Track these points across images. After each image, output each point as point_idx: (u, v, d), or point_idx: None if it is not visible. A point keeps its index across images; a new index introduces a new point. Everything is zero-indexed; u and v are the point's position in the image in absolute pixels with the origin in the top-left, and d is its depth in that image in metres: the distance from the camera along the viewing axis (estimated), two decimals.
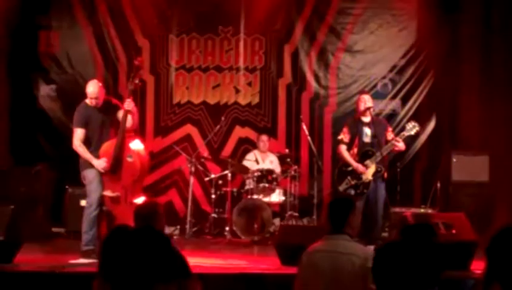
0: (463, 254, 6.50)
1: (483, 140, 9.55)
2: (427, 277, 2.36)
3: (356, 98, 8.43)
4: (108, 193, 7.03)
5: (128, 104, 7.04)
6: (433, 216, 7.48)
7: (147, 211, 4.48)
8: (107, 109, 7.24)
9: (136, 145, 7.21)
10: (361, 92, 8.43)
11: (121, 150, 7.00)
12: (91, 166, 7.02)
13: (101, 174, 7.04)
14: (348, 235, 4.10)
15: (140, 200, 7.15)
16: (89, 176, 7.05)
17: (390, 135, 7.71)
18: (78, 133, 7.07)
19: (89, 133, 7.11)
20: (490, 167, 9.12)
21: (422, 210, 9.01)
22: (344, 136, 7.72)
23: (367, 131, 7.62)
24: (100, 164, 6.97)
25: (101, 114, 7.17)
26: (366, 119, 7.66)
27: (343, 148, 7.69)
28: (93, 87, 7.13)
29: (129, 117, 7.04)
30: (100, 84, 7.27)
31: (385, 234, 9.24)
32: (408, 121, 8.58)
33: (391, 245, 2.48)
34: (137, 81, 7.22)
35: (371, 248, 7.20)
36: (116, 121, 7.21)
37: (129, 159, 7.05)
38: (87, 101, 7.19)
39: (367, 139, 7.61)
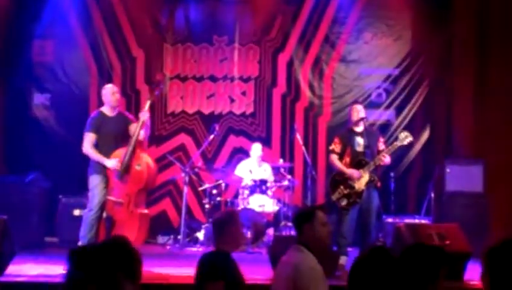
0: (456, 265, 6.49)
1: (478, 149, 9.54)
2: None
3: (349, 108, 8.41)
4: (112, 198, 7.11)
5: (144, 113, 7.19)
6: (427, 227, 7.46)
7: (220, 217, 4.67)
8: (120, 121, 7.35)
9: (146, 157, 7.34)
10: (354, 102, 8.38)
11: (130, 157, 7.10)
12: (97, 172, 7.12)
13: (106, 181, 7.13)
14: (303, 244, 4.17)
15: (142, 212, 7.23)
16: (94, 181, 7.14)
17: (381, 146, 7.65)
18: (89, 137, 7.17)
19: (99, 141, 7.19)
20: (484, 177, 9.10)
21: (416, 220, 8.99)
22: (335, 146, 7.66)
23: (359, 140, 7.57)
24: (113, 163, 7.06)
25: (114, 125, 7.28)
26: (359, 129, 7.63)
27: (334, 157, 7.62)
28: (110, 89, 7.39)
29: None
30: (116, 88, 7.49)
31: (379, 244, 9.23)
32: (402, 131, 8.53)
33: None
34: (156, 93, 7.50)
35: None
36: (128, 134, 7.29)
37: (137, 168, 7.15)
38: (102, 109, 7.35)
39: (359, 148, 7.56)
